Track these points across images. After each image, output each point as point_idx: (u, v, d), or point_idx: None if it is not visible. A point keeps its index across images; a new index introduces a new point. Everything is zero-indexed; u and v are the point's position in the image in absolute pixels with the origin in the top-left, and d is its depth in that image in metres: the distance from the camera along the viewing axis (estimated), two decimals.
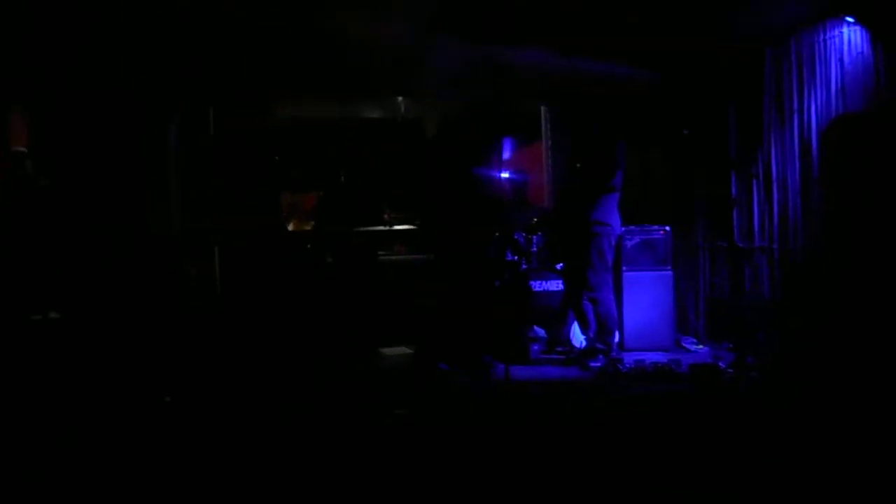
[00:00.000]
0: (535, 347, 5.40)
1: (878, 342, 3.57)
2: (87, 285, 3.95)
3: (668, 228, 5.59)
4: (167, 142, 5.02)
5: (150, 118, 4.70)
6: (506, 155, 8.08)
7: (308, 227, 6.16)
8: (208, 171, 5.01)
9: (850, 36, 4.60)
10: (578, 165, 5.04)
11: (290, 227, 6.22)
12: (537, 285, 5.57)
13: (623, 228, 5.25)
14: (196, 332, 4.43)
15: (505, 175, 5.57)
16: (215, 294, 4.96)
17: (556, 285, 5.57)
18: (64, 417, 3.53)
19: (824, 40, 4.77)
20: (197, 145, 5.15)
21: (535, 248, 5.83)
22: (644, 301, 5.52)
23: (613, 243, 5.14)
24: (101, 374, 3.80)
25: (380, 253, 6.22)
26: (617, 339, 5.26)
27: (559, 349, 5.47)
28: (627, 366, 4.88)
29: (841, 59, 4.66)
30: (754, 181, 5.30)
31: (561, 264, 5.65)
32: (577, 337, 5.40)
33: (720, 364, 4.66)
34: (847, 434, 3.14)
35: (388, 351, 5.66)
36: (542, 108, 7.11)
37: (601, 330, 5.09)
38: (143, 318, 4.04)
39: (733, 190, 4.88)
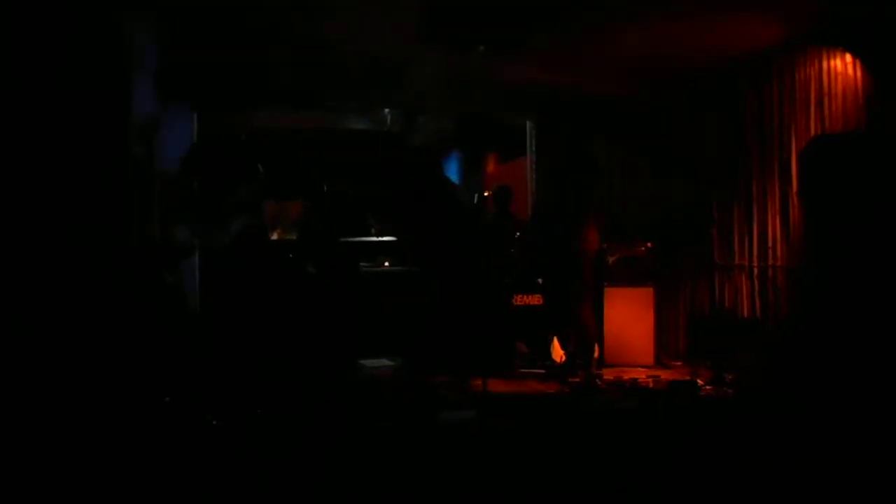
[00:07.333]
0: (517, 362, 5.39)
1: (859, 355, 3.60)
2: (62, 294, 3.89)
3: (650, 245, 5.62)
4: (152, 147, 4.99)
5: (134, 122, 4.68)
6: (489, 169, 8.12)
7: (292, 237, 6.13)
8: (190, 178, 4.98)
9: (829, 57, 4.67)
10: (559, 181, 5.07)
11: (274, 237, 6.19)
12: (519, 300, 5.57)
13: (605, 244, 5.27)
14: (170, 340, 4.37)
15: (487, 190, 5.60)
16: (193, 302, 4.91)
17: (537, 300, 5.58)
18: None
19: (804, 61, 4.84)
20: (180, 152, 5.13)
21: (517, 263, 5.83)
22: (625, 317, 5.54)
23: (595, 259, 5.15)
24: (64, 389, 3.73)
25: (363, 264, 6.20)
26: (597, 354, 5.27)
27: (540, 364, 5.46)
28: (607, 381, 4.87)
29: (820, 81, 4.73)
30: (734, 199, 5.36)
31: (543, 279, 5.66)
32: (558, 352, 5.40)
33: (698, 381, 4.68)
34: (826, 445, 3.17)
35: (369, 363, 5.63)
36: (528, 124, 7.16)
37: (582, 345, 5.09)
38: (118, 327, 3.98)
39: (713, 208, 4.94)
